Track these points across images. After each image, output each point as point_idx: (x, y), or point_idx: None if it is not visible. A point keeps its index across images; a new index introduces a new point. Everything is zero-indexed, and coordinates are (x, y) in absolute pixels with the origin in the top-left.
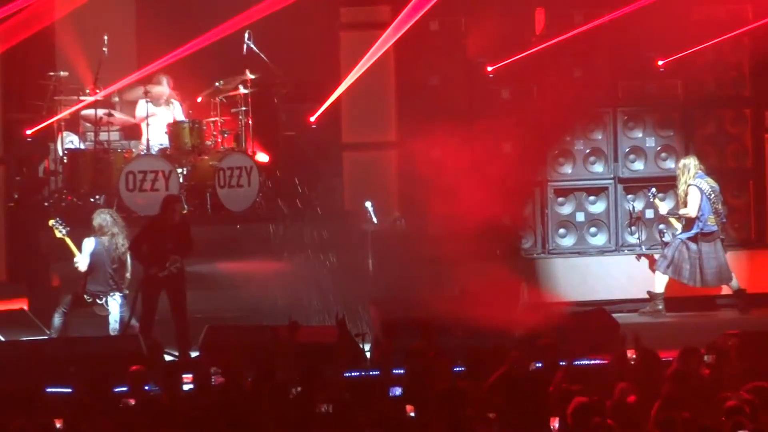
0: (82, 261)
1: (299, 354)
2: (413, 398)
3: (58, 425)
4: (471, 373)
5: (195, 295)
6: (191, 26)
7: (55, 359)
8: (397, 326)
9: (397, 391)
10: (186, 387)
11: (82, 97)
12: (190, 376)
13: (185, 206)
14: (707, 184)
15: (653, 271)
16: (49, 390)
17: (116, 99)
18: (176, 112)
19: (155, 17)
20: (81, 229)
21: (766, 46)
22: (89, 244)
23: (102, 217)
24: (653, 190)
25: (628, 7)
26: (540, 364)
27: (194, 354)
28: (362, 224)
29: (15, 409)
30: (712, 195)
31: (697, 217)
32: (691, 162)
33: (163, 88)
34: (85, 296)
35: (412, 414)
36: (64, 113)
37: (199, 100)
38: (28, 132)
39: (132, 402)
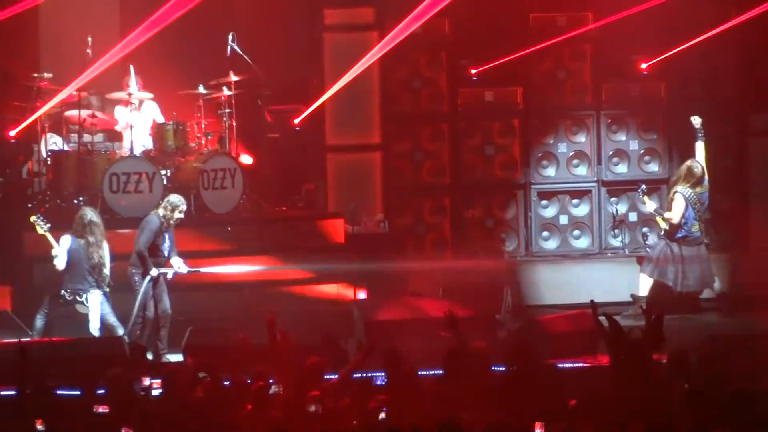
0: (60, 257)
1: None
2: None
3: (39, 427)
4: (449, 375)
5: (177, 297)
6: (175, 27)
7: (37, 361)
8: (380, 328)
9: (379, 380)
10: (155, 392)
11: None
12: (159, 380)
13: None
14: (693, 192)
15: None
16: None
17: (95, 102)
18: (155, 114)
19: (139, 18)
20: (64, 230)
21: (749, 50)
22: (66, 241)
23: (81, 221)
24: (643, 187)
25: (612, 17)
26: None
27: (178, 357)
28: (346, 226)
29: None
30: (698, 204)
31: (680, 224)
32: (688, 170)
33: (132, 89)
34: (65, 293)
35: (383, 416)
36: (39, 112)
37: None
38: (11, 133)
39: (106, 409)
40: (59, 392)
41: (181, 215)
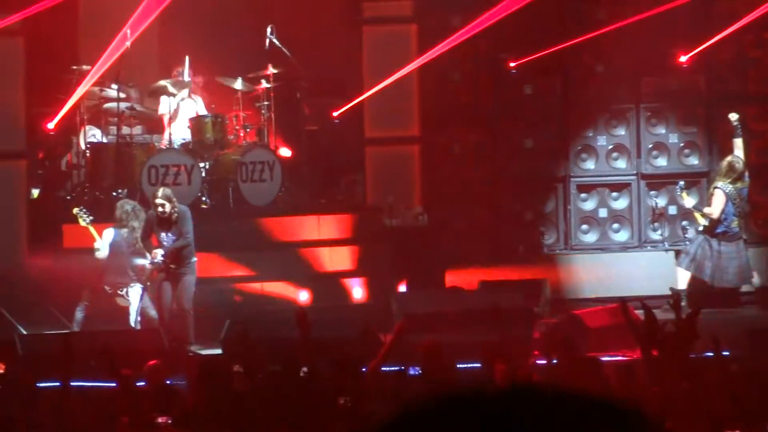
0: (102, 249)
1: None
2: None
3: None
4: (487, 369)
5: (215, 289)
6: (213, 17)
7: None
8: (419, 321)
9: (413, 371)
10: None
11: (104, 92)
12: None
13: (207, 201)
14: (734, 188)
15: None
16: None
17: (134, 94)
18: (198, 107)
19: (177, 9)
20: (103, 223)
21: None
22: (108, 234)
23: (124, 209)
24: (681, 183)
25: (652, 10)
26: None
27: (217, 351)
28: (384, 219)
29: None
30: (737, 199)
31: (720, 219)
32: (729, 166)
33: (185, 77)
34: (106, 288)
35: None
36: (70, 101)
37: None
38: (50, 125)
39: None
40: (97, 384)
41: (156, 209)
